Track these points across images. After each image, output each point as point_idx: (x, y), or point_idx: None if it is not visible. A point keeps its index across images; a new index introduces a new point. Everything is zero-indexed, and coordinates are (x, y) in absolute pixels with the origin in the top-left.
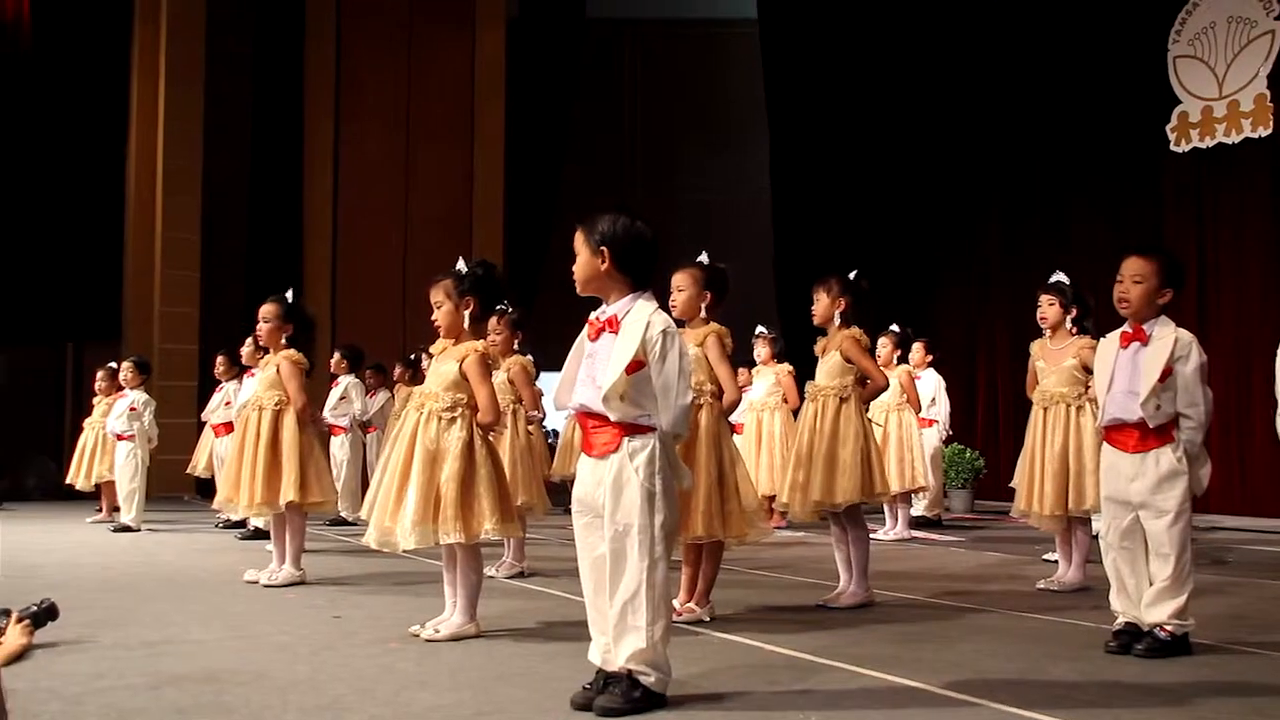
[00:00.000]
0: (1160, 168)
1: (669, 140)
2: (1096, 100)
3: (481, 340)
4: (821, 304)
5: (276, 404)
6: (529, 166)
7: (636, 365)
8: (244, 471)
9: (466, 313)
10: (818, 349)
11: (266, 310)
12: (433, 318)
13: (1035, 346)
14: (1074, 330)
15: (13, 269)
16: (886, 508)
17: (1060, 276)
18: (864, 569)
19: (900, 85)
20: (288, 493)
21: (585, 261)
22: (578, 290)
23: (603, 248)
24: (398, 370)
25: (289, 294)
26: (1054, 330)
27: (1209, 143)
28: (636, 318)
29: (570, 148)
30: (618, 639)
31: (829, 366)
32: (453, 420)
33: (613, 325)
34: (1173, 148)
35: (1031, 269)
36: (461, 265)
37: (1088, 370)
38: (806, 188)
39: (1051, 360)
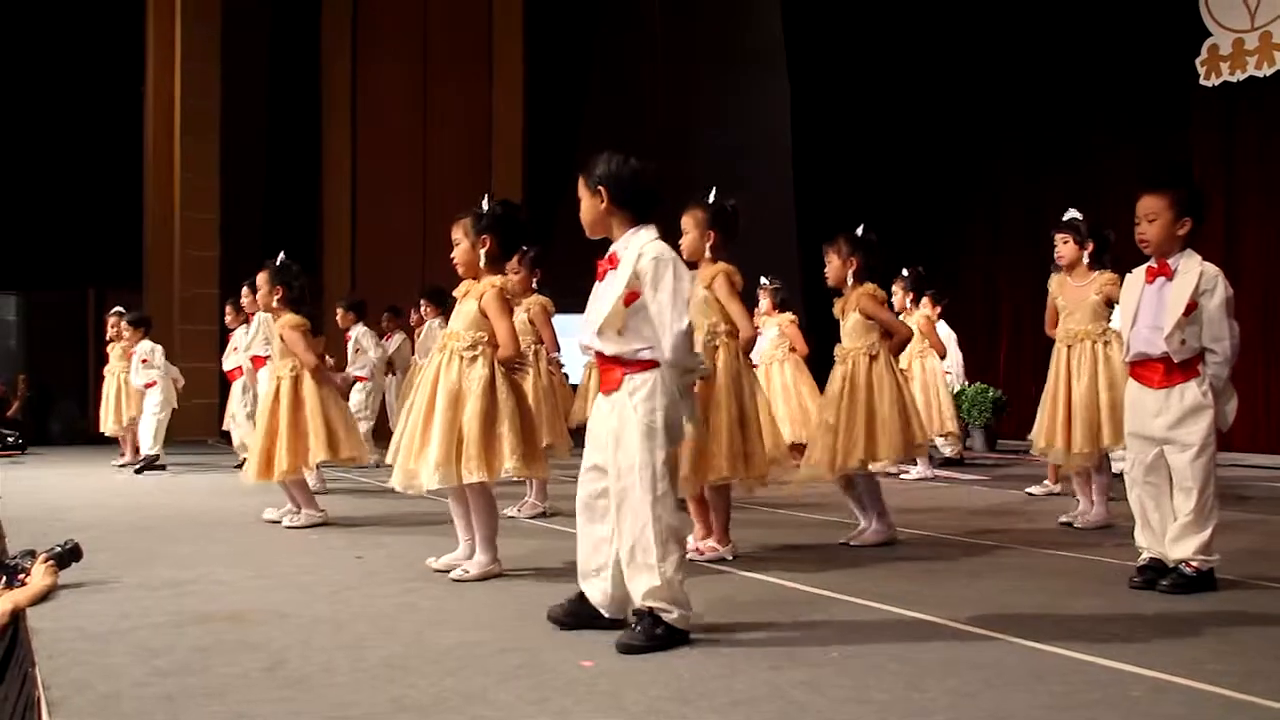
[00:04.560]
0: (1189, 102)
1: (692, 75)
2: (1124, 34)
3: (499, 276)
4: (833, 265)
5: (293, 370)
6: (549, 103)
7: (633, 296)
8: (270, 441)
9: (482, 251)
10: (836, 310)
11: (258, 278)
12: (452, 255)
13: (1054, 283)
14: (1092, 266)
15: (34, 214)
16: None
17: (1073, 213)
18: (882, 508)
19: (922, 21)
20: (319, 453)
21: (587, 204)
22: (587, 234)
23: (600, 187)
24: (424, 307)
25: (280, 257)
26: (1072, 268)
27: (1239, 76)
28: (631, 250)
29: (591, 83)
30: (631, 578)
31: (851, 326)
32: (474, 359)
33: (613, 262)
34: (1202, 81)
35: (1056, 206)
36: (485, 203)
37: (1111, 305)
38: (826, 127)
39: (1073, 297)
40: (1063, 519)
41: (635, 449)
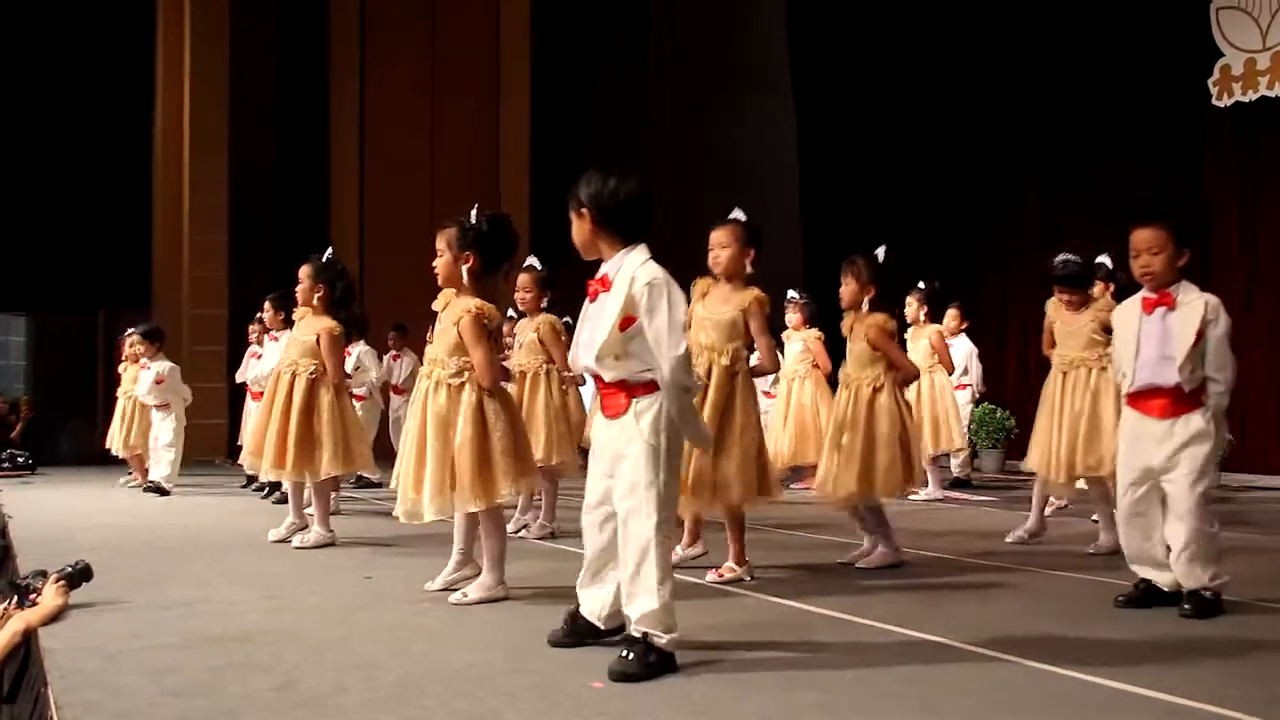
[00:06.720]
0: (1201, 122)
1: (698, 93)
2: (1136, 54)
3: (476, 300)
4: (849, 289)
5: (312, 372)
6: (556, 120)
7: (629, 321)
8: (271, 435)
9: (465, 268)
10: (844, 329)
11: (301, 271)
12: (433, 264)
13: (1051, 306)
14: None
15: (43, 235)
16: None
17: (1067, 257)
18: (888, 532)
19: (929, 39)
20: (332, 466)
21: (575, 227)
22: (583, 256)
23: (583, 209)
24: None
25: (328, 253)
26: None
27: (1251, 96)
28: (624, 274)
29: (597, 100)
30: (630, 599)
31: (858, 354)
32: (461, 386)
33: (605, 284)
34: (1214, 102)
35: (1068, 226)
36: (473, 215)
37: (1106, 330)
38: (832, 144)
39: (1069, 322)
40: (1092, 549)
41: (641, 470)
